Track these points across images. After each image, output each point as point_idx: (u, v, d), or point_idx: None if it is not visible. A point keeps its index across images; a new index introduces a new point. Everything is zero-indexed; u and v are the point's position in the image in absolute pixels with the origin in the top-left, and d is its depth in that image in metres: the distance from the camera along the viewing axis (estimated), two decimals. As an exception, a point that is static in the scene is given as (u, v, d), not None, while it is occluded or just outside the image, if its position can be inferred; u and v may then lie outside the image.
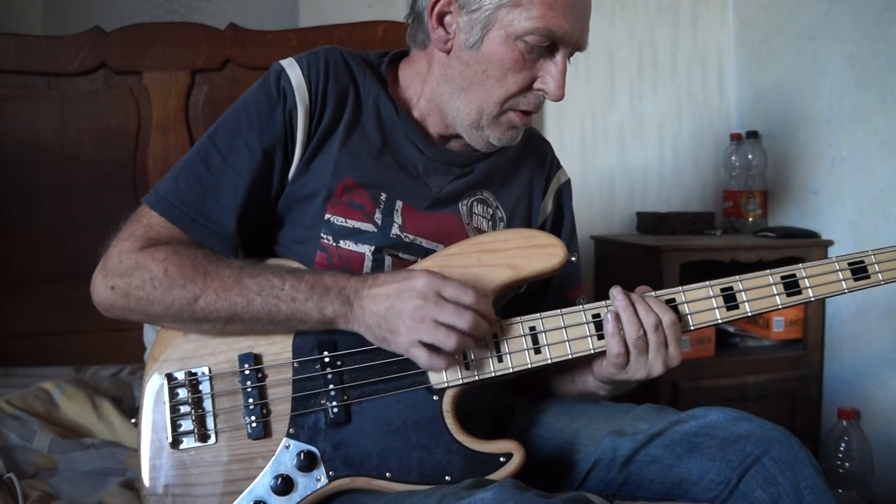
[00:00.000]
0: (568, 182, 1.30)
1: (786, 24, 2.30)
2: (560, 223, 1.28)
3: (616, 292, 1.03)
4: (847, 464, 1.94)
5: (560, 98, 1.07)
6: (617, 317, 1.02)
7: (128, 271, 1.02)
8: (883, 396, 2.01)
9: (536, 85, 1.08)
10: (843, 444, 1.95)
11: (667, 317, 1.02)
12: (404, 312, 0.94)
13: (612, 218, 2.47)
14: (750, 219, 2.33)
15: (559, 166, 1.30)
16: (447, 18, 1.08)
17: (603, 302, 1.06)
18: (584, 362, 1.10)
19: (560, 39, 1.05)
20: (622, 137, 2.49)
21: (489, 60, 1.06)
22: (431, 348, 0.95)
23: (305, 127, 1.08)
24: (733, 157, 2.38)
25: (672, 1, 2.49)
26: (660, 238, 2.22)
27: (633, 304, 1.02)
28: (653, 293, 1.06)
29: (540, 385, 1.25)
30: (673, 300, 1.06)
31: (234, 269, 1.01)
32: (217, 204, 1.05)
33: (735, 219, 2.37)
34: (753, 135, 2.34)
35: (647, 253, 2.10)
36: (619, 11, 2.45)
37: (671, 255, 2.05)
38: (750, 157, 2.34)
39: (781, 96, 2.33)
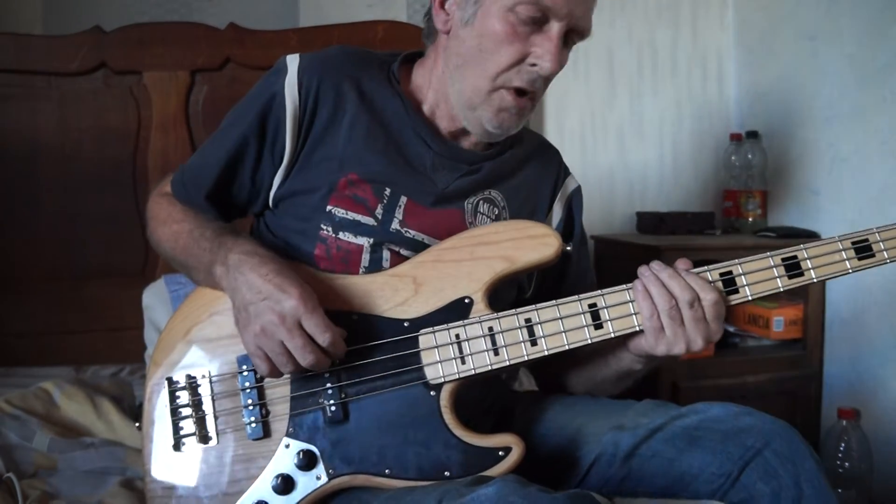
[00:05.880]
0: (578, 189, 1.29)
1: (785, 24, 2.30)
2: (570, 231, 1.27)
3: (643, 269, 1.04)
4: (847, 463, 1.93)
5: (552, 71, 1.06)
6: (646, 289, 1.02)
7: (150, 207, 1.20)
8: (883, 396, 2.01)
9: (529, 59, 1.07)
10: (842, 444, 1.94)
11: (709, 296, 1.01)
12: (259, 320, 0.95)
13: (612, 218, 2.47)
14: (750, 219, 2.33)
15: (568, 173, 1.29)
16: (448, 2, 1.10)
17: (598, 291, 1.05)
18: (615, 344, 1.10)
19: (550, 10, 1.04)
20: (622, 137, 2.49)
21: (482, 34, 1.07)
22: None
23: (295, 126, 1.10)
24: (733, 157, 2.38)
25: (672, 1, 2.49)
26: (660, 238, 2.22)
27: (660, 280, 1.02)
28: (693, 269, 1.05)
29: (560, 382, 1.25)
30: None
31: (210, 219, 1.12)
32: (197, 178, 1.15)
33: (735, 219, 2.37)
34: (753, 135, 2.34)
35: (647, 253, 2.09)
36: (619, 11, 2.45)
37: (671, 255, 2.04)
38: (750, 156, 2.34)
39: (781, 96, 2.33)
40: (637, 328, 1.04)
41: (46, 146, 1.94)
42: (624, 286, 1.05)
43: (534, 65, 1.07)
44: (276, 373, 0.98)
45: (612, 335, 1.04)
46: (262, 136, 1.12)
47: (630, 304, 1.04)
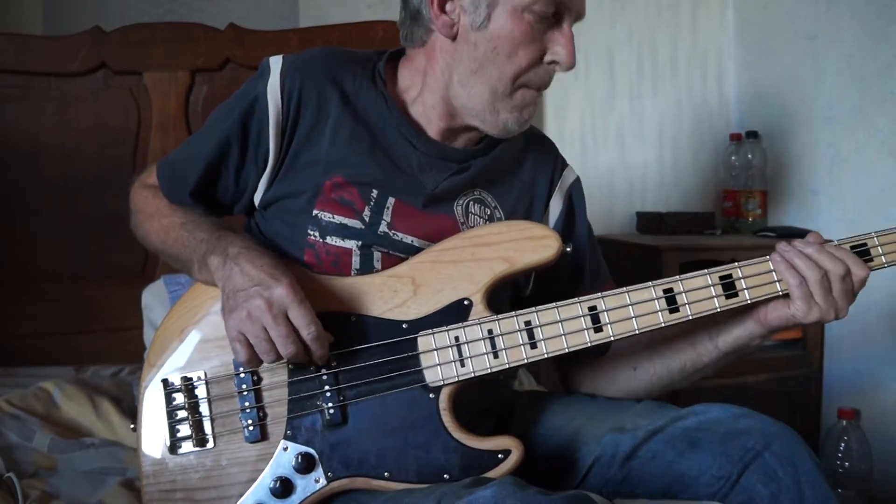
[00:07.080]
0: (577, 180, 1.28)
1: (785, 24, 2.30)
2: (573, 223, 1.27)
3: (782, 245, 1.04)
4: (847, 463, 1.93)
5: (573, 66, 1.08)
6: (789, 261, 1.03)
7: (134, 200, 1.24)
8: (883, 396, 2.01)
9: (547, 57, 1.08)
10: (842, 444, 1.95)
11: (862, 272, 1.03)
12: (247, 304, 0.95)
13: (611, 218, 2.47)
14: (750, 218, 2.33)
15: (565, 164, 1.28)
16: (448, 5, 1.08)
17: (598, 293, 1.04)
18: (730, 320, 1.10)
19: (565, 6, 1.05)
20: (622, 137, 2.49)
21: (498, 37, 1.06)
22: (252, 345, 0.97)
23: (278, 130, 1.10)
24: (733, 157, 2.38)
25: (672, 1, 2.48)
26: (660, 238, 2.22)
27: (805, 254, 1.02)
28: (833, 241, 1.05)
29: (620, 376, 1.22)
30: (671, 289, 1.04)
31: (202, 214, 1.13)
32: (180, 176, 1.17)
33: (735, 219, 2.37)
34: (753, 135, 2.33)
35: (647, 253, 2.09)
36: (619, 11, 2.45)
37: (671, 255, 2.05)
38: (750, 156, 2.34)
39: (781, 96, 2.33)
40: (637, 331, 1.03)
41: (46, 147, 1.93)
42: (624, 288, 1.05)
43: (551, 62, 1.08)
44: (254, 360, 0.97)
45: (612, 338, 1.03)
46: (245, 140, 1.12)
47: (630, 307, 1.03)
